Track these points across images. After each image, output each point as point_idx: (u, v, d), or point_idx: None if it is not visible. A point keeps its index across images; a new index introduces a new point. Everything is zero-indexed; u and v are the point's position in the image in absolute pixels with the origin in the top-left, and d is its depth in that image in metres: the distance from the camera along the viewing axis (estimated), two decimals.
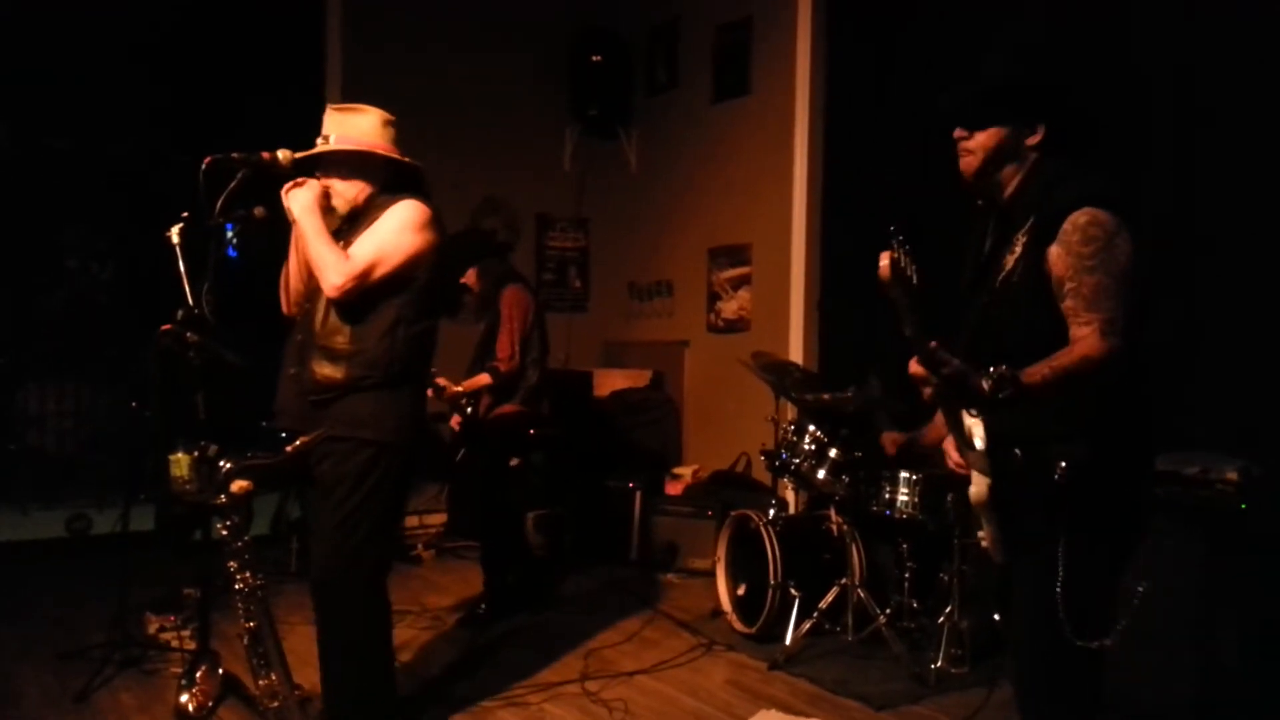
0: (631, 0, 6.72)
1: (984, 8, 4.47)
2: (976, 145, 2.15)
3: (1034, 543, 2.10)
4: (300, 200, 2.71)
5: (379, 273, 2.71)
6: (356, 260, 2.68)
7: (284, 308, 2.95)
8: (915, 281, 1.87)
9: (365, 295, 2.71)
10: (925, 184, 4.79)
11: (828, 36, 5.34)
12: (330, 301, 2.73)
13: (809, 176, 5.38)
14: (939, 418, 4.22)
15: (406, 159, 2.83)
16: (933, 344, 1.87)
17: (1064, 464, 2.02)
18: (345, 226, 2.81)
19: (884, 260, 1.83)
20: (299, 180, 2.73)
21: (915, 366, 1.98)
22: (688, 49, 6.30)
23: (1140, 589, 2.52)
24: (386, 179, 2.82)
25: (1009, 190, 2.16)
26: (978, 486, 2.13)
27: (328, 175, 2.78)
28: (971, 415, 2.02)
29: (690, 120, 6.27)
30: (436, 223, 2.82)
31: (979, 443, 2.03)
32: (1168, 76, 3.75)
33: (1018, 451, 2.05)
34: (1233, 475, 3.07)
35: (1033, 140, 2.13)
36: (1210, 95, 3.62)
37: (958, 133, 2.17)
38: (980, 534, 2.31)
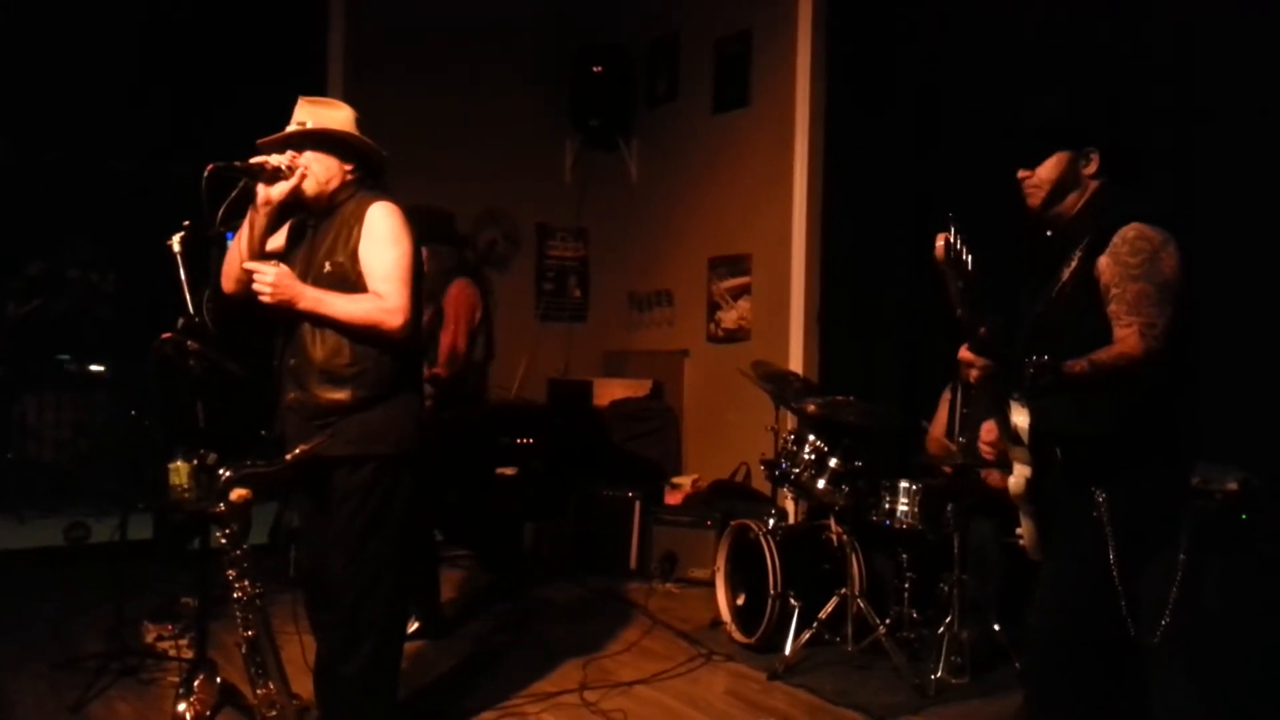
0: (632, 13, 6.74)
1: (985, 20, 4.48)
2: (1040, 180, 2.30)
3: (1065, 538, 2.21)
4: (294, 294, 2.62)
5: (409, 286, 2.69)
6: (392, 293, 2.65)
7: (224, 284, 2.83)
8: (970, 266, 1.97)
9: None
10: (925, 194, 4.81)
11: (827, 48, 5.35)
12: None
13: (809, 187, 5.39)
14: (938, 423, 4.23)
15: (378, 148, 2.81)
16: (981, 330, 1.97)
17: (1101, 465, 2.13)
18: (314, 222, 2.78)
19: (939, 242, 1.94)
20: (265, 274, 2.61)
21: (965, 352, 2.08)
22: (688, 61, 6.32)
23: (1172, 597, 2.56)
24: (356, 167, 2.78)
25: (1071, 215, 2.31)
26: (1017, 478, 2.22)
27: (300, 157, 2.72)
28: (1018, 405, 2.11)
29: (690, 131, 6.28)
30: (407, 220, 2.77)
31: (1024, 436, 2.12)
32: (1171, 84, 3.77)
33: (1059, 451, 2.16)
34: (1233, 486, 3.06)
35: (1089, 169, 2.27)
36: (1210, 96, 3.64)
37: (1022, 173, 2.32)
38: (1019, 530, 2.37)
